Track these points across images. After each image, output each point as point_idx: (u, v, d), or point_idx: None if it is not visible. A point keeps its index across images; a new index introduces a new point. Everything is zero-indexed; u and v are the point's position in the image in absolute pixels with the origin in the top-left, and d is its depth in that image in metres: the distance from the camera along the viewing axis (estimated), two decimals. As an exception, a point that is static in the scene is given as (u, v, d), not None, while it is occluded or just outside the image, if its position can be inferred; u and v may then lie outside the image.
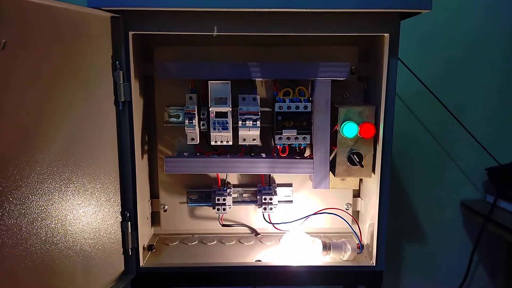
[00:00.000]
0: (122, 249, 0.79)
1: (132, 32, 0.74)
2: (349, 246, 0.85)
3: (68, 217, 0.66)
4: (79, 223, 0.69)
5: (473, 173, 1.28)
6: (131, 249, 0.80)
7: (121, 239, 0.78)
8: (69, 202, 0.66)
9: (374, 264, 0.83)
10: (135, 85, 0.79)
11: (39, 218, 0.61)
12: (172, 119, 0.90)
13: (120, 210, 0.78)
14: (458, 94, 1.23)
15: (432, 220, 1.31)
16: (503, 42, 1.21)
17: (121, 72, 0.74)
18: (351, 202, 0.97)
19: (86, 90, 0.69)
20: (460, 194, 1.30)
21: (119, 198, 0.77)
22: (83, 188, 0.69)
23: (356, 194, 0.98)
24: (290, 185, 0.96)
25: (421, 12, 0.71)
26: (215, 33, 0.78)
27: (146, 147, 0.91)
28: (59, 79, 0.64)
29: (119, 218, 0.78)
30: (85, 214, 0.70)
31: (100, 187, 0.72)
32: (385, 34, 0.75)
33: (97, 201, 0.72)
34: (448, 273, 1.32)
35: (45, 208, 0.62)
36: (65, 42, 0.64)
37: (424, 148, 1.27)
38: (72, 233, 0.67)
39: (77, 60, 0.67)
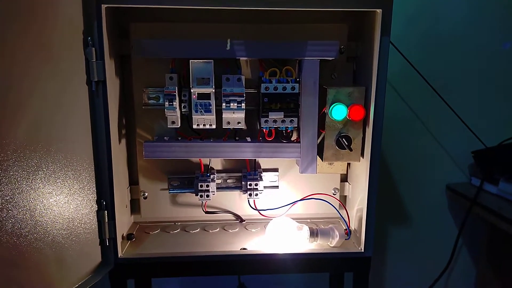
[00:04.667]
0: (98, 240, 0.75)
1: (105, 5, 0.68)
2: (337, 232, 0.82)
3: (38, 207, 0.61)
4: (50, 213, 0.63)
5: (458, 155, 1.27)
6: (108, 239, 0.75)
7: (97, 229, 0.74)
8: (38, 191, 0.61)
9: (363, 250, 0.81)
10: (110, 64, 0.74)
11: (4, 209, 0.56)
12: (151, 101, 0.85)
13: (96, 198, 0.73)
14: (445, 75, 1.21)
15: (417, 203, 1.31)
16: (492, 24, 1.19)
17: (93, 49, 0.68)
18: (338, 187, 0.94)
19: (55, 68, 0.63)
20: (446, 177, 1.29)
21: (94, 185, 0.72)
22: (53, 175, 0.63)
23: (344, 178, 0.96)
24: (276, 170, 0.93)
25: (415, -13, 0.67)
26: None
27: (123, 131, 0.86)
28: (24, 56, 0.57)
29: (95, 207, 0.73)
30: (56, 204, 0.64)
31: (72, 174, 0.67)
32: (377, 10, 0.71)
33: (70, 189, 0.67)
34: (433, 256, 1.32)
35: (11, 198, 0.56)
36: (30, 15, 0.58)
37: (409, 130, 1.25)
38: (43, 224, 0.62)
39: (45, 35, 0.61)
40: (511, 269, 1.23)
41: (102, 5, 0.67)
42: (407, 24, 1.16)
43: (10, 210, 0.56)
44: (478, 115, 1.22)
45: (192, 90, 0.78)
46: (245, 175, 0.89)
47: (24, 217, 0.59)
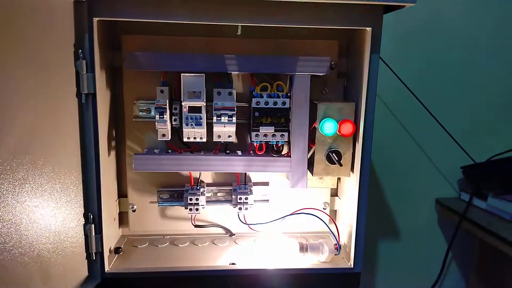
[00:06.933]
0: (85, 254, 0.73)
1: (97, 19, 0.68)
2: (326, 247, 0.82)
3: (24, 220, 0.60)
4: (36, 226, 0.62)
5: (448, 171, 1.29)
6: (95, 253, 0.74)
7: (84, 242, 0.73)
8: (24, 204, 0.60)
9: (352, 266, 0.81)
10: (100, 76, 0.73)
11: (-11, 223, 0.55)
12: (141, 114, 0.85)
13: (83, 211, 0.72)
14: (434, 91, 1.23)
15: (406, 218, 1.31)
16: (482, 41, 1.21)
17: (84, 61, 0.68)
18: (328, 201, 0.94)
19: (44, 80, 0.62)
20: (435, 192, 1.30)
21: (82, 199, 0.71)
22: (40, 188, 0.62)
23: (334, 193, 0.96)
24: (266, 183, 0.93)
25: (405, 6, 0.68)
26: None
27: (113, 143, 0.85)
28: (13, 67, 0.57)
29: (82, 220, 0.72)
30: (43, 217, 0.63)
31: (60, 187, 0.66)
32: (367, 28, 0.72)
33: (57, 203, 0.66)
34: (423, 271, 1.32)
35: (-5, 211, 0.55)
36: (21, 27, 0.58)
37: (399, 145, 1.26)
38: (28, 238, 0.61)
39: (35, 47, 0.60)
40: (501, 284, 1.23)
41: (94, 18, 0.68)
42: (398, 41, 1.18)
43: (-6, 224, 0.55)
44: (468, 131, 1.24)
45: (183, 103, 0.78)
46: (235, 189, 0.89)
47: (9, 231, 0.58)
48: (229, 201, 0.90)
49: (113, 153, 0.85)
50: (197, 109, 0.79)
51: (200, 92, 0.78)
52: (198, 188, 0.87)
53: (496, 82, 1.24)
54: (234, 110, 0.79)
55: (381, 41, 0.72)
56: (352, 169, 0.82)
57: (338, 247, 0.83)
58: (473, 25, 1.20)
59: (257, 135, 0.80)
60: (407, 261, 1.33)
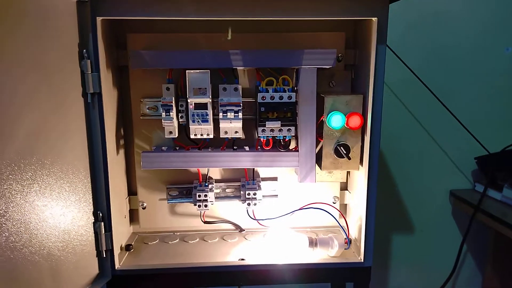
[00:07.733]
0: (95, 251, 0.74)
1: (101, 18, 0.68)
2: (336, 242, 0.81)
3: (33, 220, 0.61)
4: (45, 225, 0.63)
5: (462, 162, 1.26)
6: (105, 250, 0.75)
7: (94, 240, 0.73)
8: (33, 204, 0.61)
9: (362, 260, 0.80)
10: (106, 75, 0.74)
11: (-1, 223, 0.55)
12: (149, 111, 0.85)
13: (92, 210, 0.73)
14: (447, 81, 1.20)
15: (420, 210, 1.29)
16: (493, 29, 1.18)
17: (88, 61, 0.68)
18: (338, 196, 0.93)
19: (50, 80, 0.63)
20: (449, 183, 1.27)
21: (91, 197, 0.72)
22: (48, 188, 0.63)
23: (344, 187, 0.95)
24: (275, 179, 0.92)
25: (411, -6, 0.67)
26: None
27: (121, 142, 0.86)
28: (19, 67, 0.57)
29: (91, 219, 0.73)
30: (52, 216, 0.64)
31: (68, 187, 0.67)
32: (373, 18, 0.70)
33: (65, 202, 0.67)
34: (437, 263, 1.30)
35: (5, 211, 0.56)
36: (26, 27, 0.58)
37: (412, 137, 1.24)
38: (38, 237, 0.62)
39: (39, 47, 0.61)
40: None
41: (97, 17, 0.68)
42: (409, 31, 1.16)
43: (3, 223, 0.56)
44: (481, 121, 1.21)
45: (189, 100, 0.78)
46: (243, 185, 0.89)
47: (19, 230, 0.59)
48: (238, 197, 0.90)
49: (121, 151, 0.86)
50: (203, 106, 0.79)
51: (206, 88, 0.78)
52: (206, 184, 0.87)
53: (510, 70, 1.20)
54: (240, 106, 0.79)
55: (387, 31, 0.70)
56: (361, 162, 0.81)
57: (348, 242, 0.82)
58: (485, 10, 1.17)
59: (263, 130, 0.79)
60: (421, 254, 1.32)
